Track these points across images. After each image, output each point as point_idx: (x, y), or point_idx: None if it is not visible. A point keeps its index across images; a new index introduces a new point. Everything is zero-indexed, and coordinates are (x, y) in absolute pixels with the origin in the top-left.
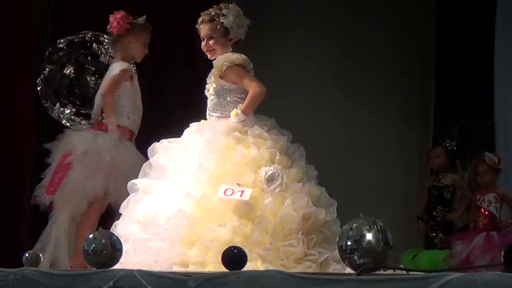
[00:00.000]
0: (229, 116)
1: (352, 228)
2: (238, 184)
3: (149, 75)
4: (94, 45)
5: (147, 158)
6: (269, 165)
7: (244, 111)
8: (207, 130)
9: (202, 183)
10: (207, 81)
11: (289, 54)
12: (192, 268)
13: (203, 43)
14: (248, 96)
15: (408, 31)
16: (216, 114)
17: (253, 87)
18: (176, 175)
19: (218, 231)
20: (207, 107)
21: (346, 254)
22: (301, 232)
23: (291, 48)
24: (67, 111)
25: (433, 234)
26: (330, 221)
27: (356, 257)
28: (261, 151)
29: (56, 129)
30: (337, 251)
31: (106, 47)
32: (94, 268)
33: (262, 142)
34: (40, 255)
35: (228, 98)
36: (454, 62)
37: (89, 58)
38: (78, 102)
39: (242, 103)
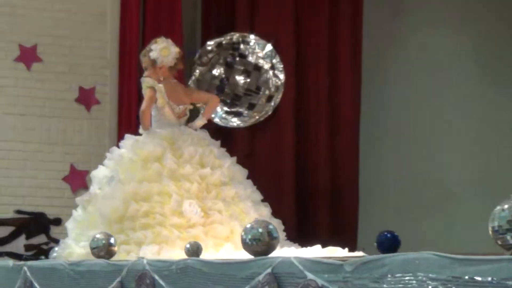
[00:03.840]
0: None
1: (504, 209)
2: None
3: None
4: (242, 45)
5: None
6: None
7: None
8: None
9: None
10: None
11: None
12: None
13: None
14: None
15: None
16: None
17: None
18: None
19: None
20: None
21: (499, 235)
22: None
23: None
24: (219, 110)
25: None
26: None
27: (509, 237)
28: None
29: None
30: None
31: (253, 46)
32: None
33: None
34: (201, 245)
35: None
36: None
37: (237, 58)
38: (228, 101)
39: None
